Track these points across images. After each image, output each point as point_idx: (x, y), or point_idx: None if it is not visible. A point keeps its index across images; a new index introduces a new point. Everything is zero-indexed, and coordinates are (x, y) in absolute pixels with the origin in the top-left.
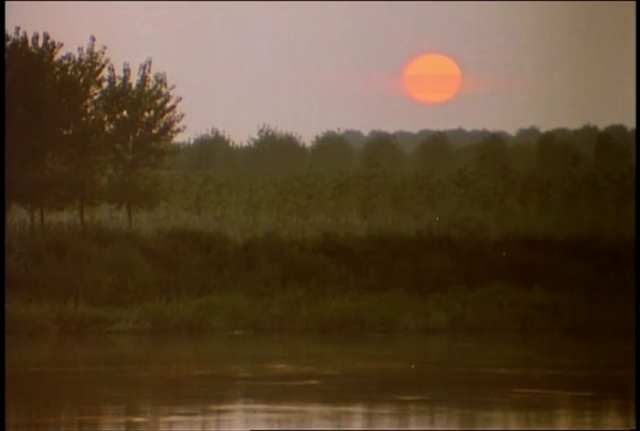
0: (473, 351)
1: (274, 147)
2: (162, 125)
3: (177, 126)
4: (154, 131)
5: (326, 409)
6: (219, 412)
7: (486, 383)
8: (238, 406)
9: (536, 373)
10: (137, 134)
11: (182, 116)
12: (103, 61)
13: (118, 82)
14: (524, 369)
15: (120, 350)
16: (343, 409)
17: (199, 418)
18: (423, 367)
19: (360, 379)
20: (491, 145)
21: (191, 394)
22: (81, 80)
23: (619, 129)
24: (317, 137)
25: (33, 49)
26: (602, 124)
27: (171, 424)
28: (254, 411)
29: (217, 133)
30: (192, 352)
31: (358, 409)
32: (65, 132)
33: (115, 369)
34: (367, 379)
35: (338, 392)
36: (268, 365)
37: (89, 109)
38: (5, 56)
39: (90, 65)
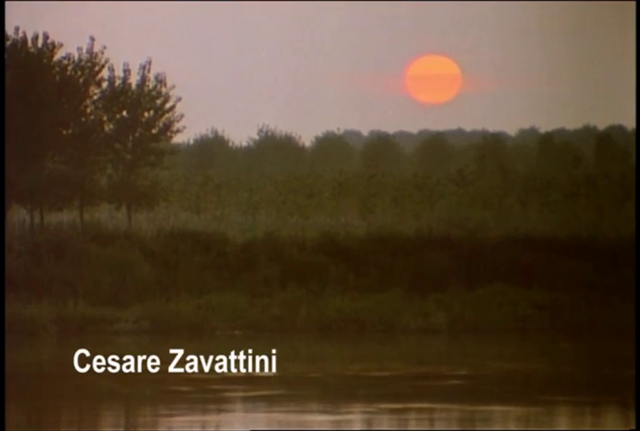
0: (570, 351)
1: (274, 147)
2: (161, 125)
3: (177, 126)
4: (153, 131)
5: (510, 409)
6: (404, 411)
7: (619, 384)
8: (417, 405)
9: None
10: (137, 134)
11: (182, 116)
12: (103, 61)
13: (117, 82)
14: None
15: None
16: (521, 409)
17: (402, 416)
18: (542, 368)
19: (501, 379)
20: (490, 145)
21: (359, 393)
22: (81, 80)
23: (619, 129)
24: (317, 137)
25: (33, 49)
26: (602, 124)
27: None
28: (447, 411)
29: (216, 133)
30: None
31: (539, 410)
32: (65, 132)
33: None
34: (506, 379)
35: (494, 392)
36: (387, 365)
37: (89, 109)
38: (5, 56)
39: (89, 66)
